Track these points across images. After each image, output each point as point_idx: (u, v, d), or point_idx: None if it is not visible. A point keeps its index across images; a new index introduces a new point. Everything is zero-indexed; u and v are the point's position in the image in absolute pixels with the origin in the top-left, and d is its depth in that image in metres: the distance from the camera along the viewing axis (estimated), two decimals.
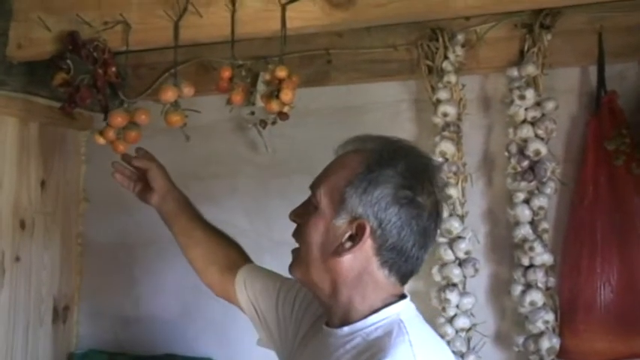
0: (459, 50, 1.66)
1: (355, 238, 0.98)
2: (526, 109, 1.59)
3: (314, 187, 1.05)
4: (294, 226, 1.86)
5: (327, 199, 1.00)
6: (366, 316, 0.99)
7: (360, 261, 0.99)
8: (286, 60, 1.51)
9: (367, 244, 0.98)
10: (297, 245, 1.07)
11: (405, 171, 0.98)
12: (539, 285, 1.55)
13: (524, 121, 1.60)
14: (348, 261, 0.99)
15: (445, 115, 1.64)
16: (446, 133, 1.65)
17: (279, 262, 1.86)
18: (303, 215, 1.05)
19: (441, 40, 1.66)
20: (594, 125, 1.58)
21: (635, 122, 1.55)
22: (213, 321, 1.92)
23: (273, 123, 1.73)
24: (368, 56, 1.79)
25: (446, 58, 1.66)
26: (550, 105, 1.59)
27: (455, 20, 1.65)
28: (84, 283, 2.10)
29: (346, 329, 1.00)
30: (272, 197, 1.90)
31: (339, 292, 1.01)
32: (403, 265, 1.00)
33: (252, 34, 1.51)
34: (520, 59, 1.64)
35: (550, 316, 1.54)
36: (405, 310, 1.00)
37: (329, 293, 1.02)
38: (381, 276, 0.99)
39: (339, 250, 0.98)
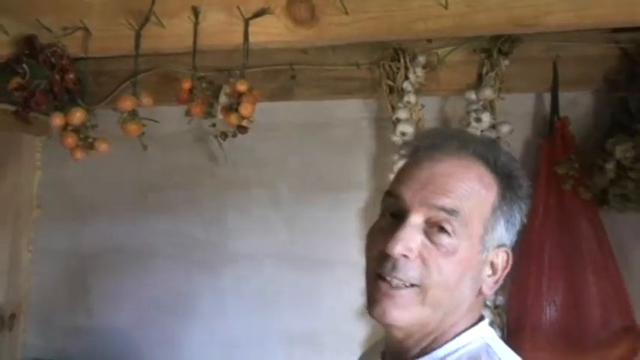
0: (420, 71, 1.69)
1: (496, 270, 0.85)
2: (482, 132, 1.63)
3: (451, 215, 0.81)
4: (252, 238, 1.90)
5: (467, 232, 0.81)
6: (447, 341, 0.84)
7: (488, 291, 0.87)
8: (250, 74, 1.52)
9: None
10: (406, 281, 0.81)
11: (525, 187, 0.87)
12: (488, 303, 1.58)
13: None
14: (480, 295, 0.85)
15: (403, 134, 1.66)
16: (404, 152, 1.67)
17: (236, 275, 1.89)
18: (433, 250, 0.81)
19: (402, 60, 1.70)
20: (546, 150, 1.63)
21: (585, 148, 1.61)
22: (168, 333, 1.90)
23: (234, 136, 1.73)
24: (331, 73, 1.81)
25: (406, 78, 1.69)
26: (505, 128, 1.63)
27: (417, 42, 1.69)
28: (33, 291, 2.05)
29: None
30: (231, 210, 1.90)
31: (441, 324, 0.84)
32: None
33: (214, 46, 1.51)
34: (478, 83, 1.69)
35: (497, 334, 1.57)
36: (487, 331, 0.87)
37: (427, 330, 0.84)
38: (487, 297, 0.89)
39: (479, 287, 0.84)
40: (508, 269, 0.85)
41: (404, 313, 0.81)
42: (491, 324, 1.58)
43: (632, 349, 1.56)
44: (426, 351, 0.84)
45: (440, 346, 0.84)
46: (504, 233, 0.84)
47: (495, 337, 0.88)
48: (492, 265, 0.84)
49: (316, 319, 1.83)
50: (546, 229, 1.59)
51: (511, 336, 1.60)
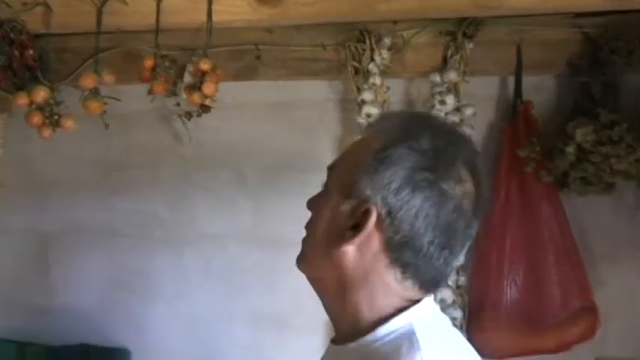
0: (385, 53, 1.69)
1: (359, 227, 0.81)
2: (446, 114, 1.64)
3: (330, 170, 0.90)
4: (216, 217, 1.90)
5: (337, 182, 0.86)
6: (374, 328, 0.82)
7: (367, 256, 0.82)
8: (215, 53, 1.50)
9: (374, 235, 0.80)
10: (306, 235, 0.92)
11: (428, 149, 0.80)
12: (450, 283, 1.60)
13: None
14: (351, 255, 0.82)
15: (369, 115, 1.67)
16: None
17: (201, 255, 1.89)
18: (316, 202, 0.90)
19: (368, 42, 1.69)
20: (509, 133, 1.65)
21: (547, 132, 1.63)
22: (130, 312, 1.90)
23: (199, 115, 1.72)
24: (297, 54, 1.80)
25: (372, 60, 1.69)
26: (469, 111, 1.64)
27: (383, 24, 1.69)
28: None
29: (352, 345, 0.83)
30: (196, 190, 1.90)
31: (344, 295, 0.84)
32: (422, 267, 0.81)
33: (178, 24, 1.49)
34: (443, 66, 1.69)
35: (458, 313, 1.60)
36: (420, 317, 0.83)
37: (334, 295, 0.86)
38: (391, 278, 0.82)
39: (340, 240, 0.82)
40: (368, 225, 0.80)
41: (299, 257, 0.90)
42: (453, 304, 1.61)
43: (590, 329, 1.60)
44: (354, 336, 0.83)
45: (366, 333, 0.82)
46: (366, 187, 0.81)
47: (429, 321, 0.83)
48: (359, 222, 0.82)
49: (281, 300, 1.83)
50: (508, 211, 1.62)
51: (472, 316, 1.64)
